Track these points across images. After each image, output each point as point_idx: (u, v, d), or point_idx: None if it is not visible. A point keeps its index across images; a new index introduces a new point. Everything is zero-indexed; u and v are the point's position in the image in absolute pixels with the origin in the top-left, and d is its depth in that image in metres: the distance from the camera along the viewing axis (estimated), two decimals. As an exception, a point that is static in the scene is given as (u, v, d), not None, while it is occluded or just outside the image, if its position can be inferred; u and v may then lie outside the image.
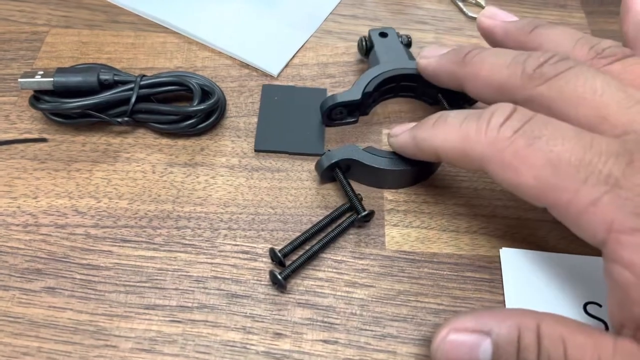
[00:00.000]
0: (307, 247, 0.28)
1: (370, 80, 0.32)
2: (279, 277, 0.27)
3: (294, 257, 0.28)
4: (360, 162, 0.30)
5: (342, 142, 0.33)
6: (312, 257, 0.28)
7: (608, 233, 0.21)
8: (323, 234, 0.29)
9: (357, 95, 0.32)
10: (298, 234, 0.29)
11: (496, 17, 0.30)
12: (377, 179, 0.31)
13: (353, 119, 0.33)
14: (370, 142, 0.33)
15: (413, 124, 0.28)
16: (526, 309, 0.23)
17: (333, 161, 0.30)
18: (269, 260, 0.28)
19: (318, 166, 0.30)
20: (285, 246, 0.28)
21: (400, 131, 0.29)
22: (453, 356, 0.22)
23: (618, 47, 0.26)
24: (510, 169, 0.22)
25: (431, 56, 0.30)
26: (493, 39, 0.30)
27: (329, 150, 0.30)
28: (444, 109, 0.33)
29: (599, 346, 0.20)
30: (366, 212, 0.29)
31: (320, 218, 0.30)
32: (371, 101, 0.34)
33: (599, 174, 0.21)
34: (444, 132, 0.25)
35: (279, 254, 0.28)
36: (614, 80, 0.23)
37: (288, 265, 0.28)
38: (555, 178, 0.21)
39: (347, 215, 0.30)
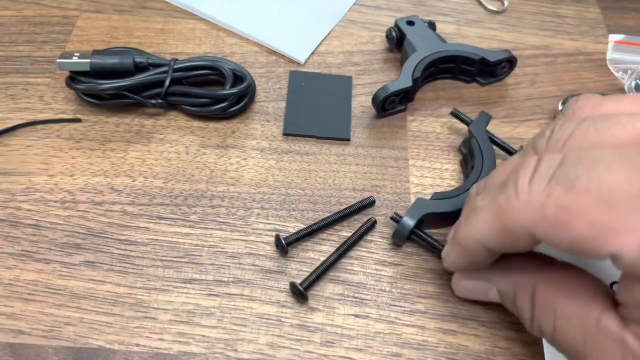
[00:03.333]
0: (322, 259, 0.28)
1: (416, 66, 0.34)
2: (299, 287, 0.26)
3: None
4: (434, 212, 0.29)
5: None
6: (329, 268, 0.28)
7: None
8: (342, 246, 0.29)
9: (408, 82, 0.33)
10: (328, 214, 0.30)
11: None
12: (455, 218, 0.27)
13: (402, 107, 0.35)
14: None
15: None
16: (525, 262, 0.23)
17: (411, 229, 0.28)
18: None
19: (398, 237, 0.28)
20: (291, 235, 0.29)
21: (445, 251, 0.26)
22: (468, 294, 0.26)
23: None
24: (558, 226, 0.18)
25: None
26: None
27: (400, 217, 0.28)
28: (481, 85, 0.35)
29: (585, 320, 0.20)
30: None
31: (348, 199, 0.31)
32: (416, 87, 0.35)
33: None
34: (477, 219, 0.22)
35: (283, 242, 0.28)
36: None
37: (307, 277, 0.27)
38: (613, 217, 0.17)
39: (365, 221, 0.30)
